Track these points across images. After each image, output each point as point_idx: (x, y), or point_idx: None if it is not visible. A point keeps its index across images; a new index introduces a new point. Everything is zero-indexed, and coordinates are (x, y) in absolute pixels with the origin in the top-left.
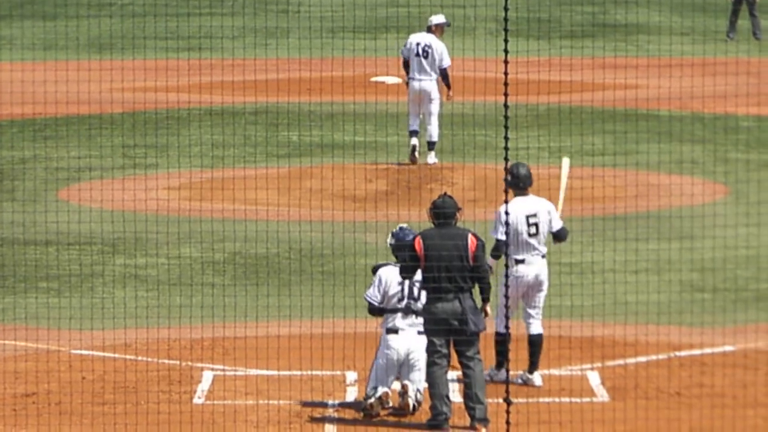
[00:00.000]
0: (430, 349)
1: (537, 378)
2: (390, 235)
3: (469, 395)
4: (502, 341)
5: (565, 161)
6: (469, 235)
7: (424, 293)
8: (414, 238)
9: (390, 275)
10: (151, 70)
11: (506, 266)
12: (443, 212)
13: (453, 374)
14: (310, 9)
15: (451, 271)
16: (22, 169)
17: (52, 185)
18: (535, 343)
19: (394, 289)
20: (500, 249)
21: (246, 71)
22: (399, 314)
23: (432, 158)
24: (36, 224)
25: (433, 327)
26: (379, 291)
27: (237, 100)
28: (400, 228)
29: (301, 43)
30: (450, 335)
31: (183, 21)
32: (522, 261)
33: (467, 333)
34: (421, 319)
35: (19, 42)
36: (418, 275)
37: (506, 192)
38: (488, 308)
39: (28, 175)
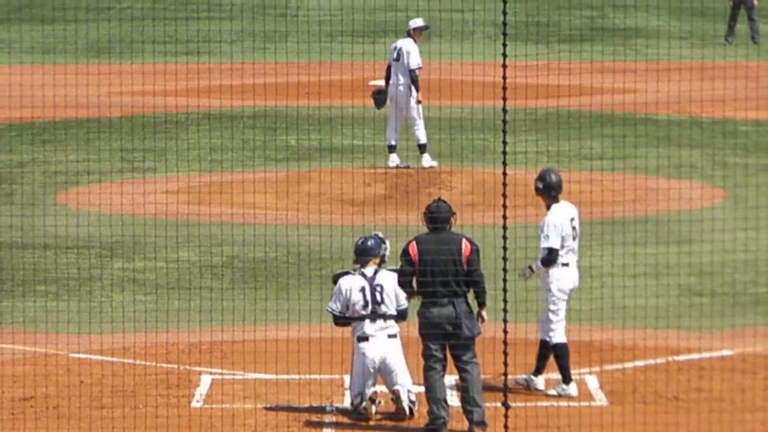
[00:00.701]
0: (426, 354)
1: (540, 382)
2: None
3: (466, 399)
4: (544, 348)
5: None
6: (464, 240)
7: (388, 297)
8: (409, 243)
9: (350, 283)
10: (149, 74)
11: (501, 269)
12: (438, 217)
13: (451, 378)
14: (308, 13)
15: (445, 276)
16: (20, 173)
17: (50, 189)
18: (547, 347)
19: (356, 296)
20: (555, 257)
21: (244, 75)
22: (367, 320)
23: (427, 161)
24: (34, 228)
25: (429, 331)
26: (339, 301)
27: (235, 104)
28: (364, 237)
29: (299, 47)
30: (445, 340)
31: (181, 25)
32: (567, 264)
33: (461, 337)
34: (390, 323)
35: (18, 45)
36: (381, 279)
37: (504, 196)
38: (484, 313)
39: (27, 178)
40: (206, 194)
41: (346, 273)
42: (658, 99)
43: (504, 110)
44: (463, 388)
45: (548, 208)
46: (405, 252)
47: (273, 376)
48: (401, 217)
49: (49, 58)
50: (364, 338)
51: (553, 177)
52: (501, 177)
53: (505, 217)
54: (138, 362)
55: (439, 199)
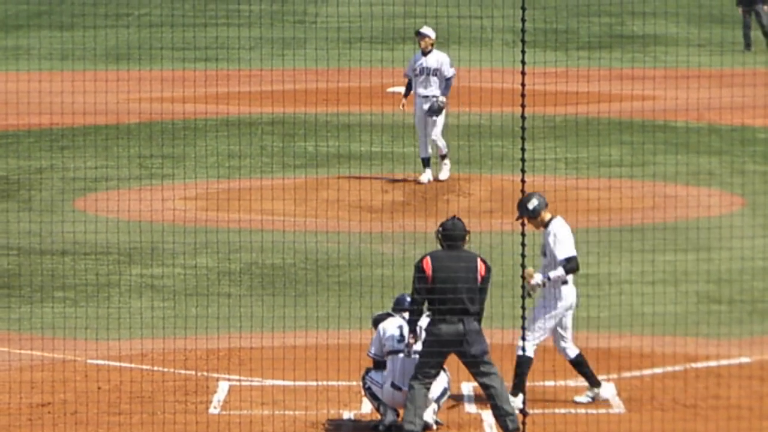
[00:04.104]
0: (418, 364)
1: (606, 389)
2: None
3: (497, 409)
4: (578, 364)
5: None
6: (478, 259)
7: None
8: (423, 258)
9: (387, 324)
10: (167, 80)
11: (520, 276)
12: (452, 234)
13: (470, 385)
14: (326, 20)
15: (457, 294)
16: (38, 179)
17: (68, 195)
18: (582, 364)
19: (391, 331)
20: (577, 264)
21: (262, 82)
22: (402, 364)
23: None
24: (52, 234)
25: (432, 349)
26: (379, 345)
27: (253, 111)
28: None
29: (317, 53)
30: (446, 357)
31: (199, 31)
32: (566, 283)
33: (468, 355)
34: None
35: (37, 52)
36: (420, 322)
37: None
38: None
39: (45, 185)
40: (224, 200)
41: (388, 315)
42: (677, 106)
43: (523, 117)
44: (490, 398)
45: (547, 225)
46: (419, 268)
47: (291, 383)
48: (419, 224)
49: (67, 64)
50: (397, 388)
51: (535, 199)
52: (519, 184)
53: (523, 224)
54: (156, 368)
55: (455, 217)
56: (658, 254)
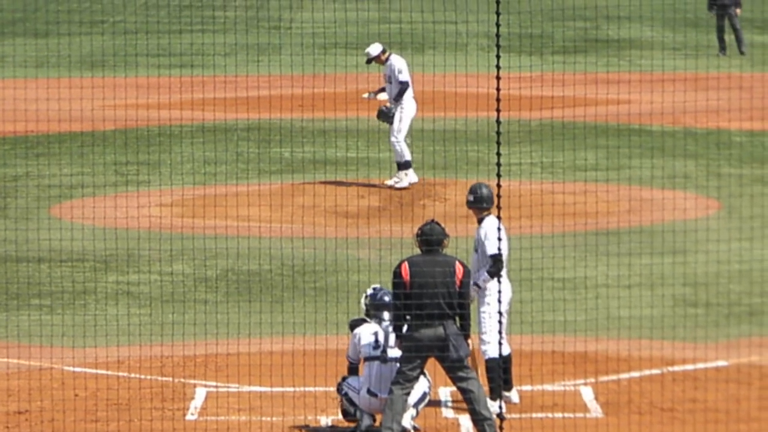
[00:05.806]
0: (399, 370)
1: (514, 395)
2: (364, 295)
3: (475, 413)
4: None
5: None
6: (457, 263)
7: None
8: (400, 264)
9: (362, 330)
10: (143, 87)
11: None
12: (430, 239)
13: (447, 390)
14: (301, 26)
15: (436, 298)
16: (14, 187)
17: (44, 202)
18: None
19: (366, 338)
20: (501, 265)
21: (238, 88)
22: (378, 370)
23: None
24: (28, 241)
25: (412, 354)
26: (355, 350)
27: (229, 117)
28: (374, 288)
29: (292, 59)
30: (426, 361)
31: (175, 38)
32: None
33: (449, 360)
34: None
35: (11, 59)
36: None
37: (498, 207)
38: (470, 341)
39: (21, 192)
40: (200, 207)
41: (363, 321)
42: (652, 110)
43: (498, 122)
44: (468, 403)
45: (480, 221)
46: (397, 273)
47: (268, 389)
48: (396, 229)
49: (43, 71)
50: (373, 394)
51: (485, 190)
52: (495, 188)
53: (499, 229)
54: (132, 375)
55: (433, 220)
56: (635, 258)
